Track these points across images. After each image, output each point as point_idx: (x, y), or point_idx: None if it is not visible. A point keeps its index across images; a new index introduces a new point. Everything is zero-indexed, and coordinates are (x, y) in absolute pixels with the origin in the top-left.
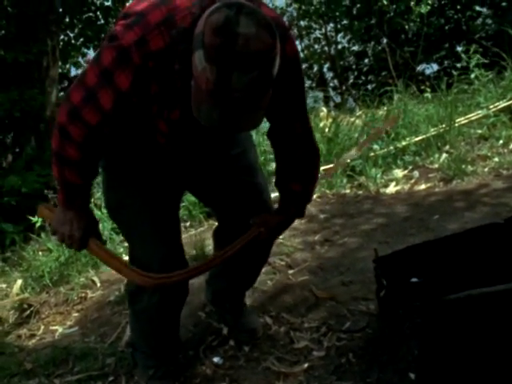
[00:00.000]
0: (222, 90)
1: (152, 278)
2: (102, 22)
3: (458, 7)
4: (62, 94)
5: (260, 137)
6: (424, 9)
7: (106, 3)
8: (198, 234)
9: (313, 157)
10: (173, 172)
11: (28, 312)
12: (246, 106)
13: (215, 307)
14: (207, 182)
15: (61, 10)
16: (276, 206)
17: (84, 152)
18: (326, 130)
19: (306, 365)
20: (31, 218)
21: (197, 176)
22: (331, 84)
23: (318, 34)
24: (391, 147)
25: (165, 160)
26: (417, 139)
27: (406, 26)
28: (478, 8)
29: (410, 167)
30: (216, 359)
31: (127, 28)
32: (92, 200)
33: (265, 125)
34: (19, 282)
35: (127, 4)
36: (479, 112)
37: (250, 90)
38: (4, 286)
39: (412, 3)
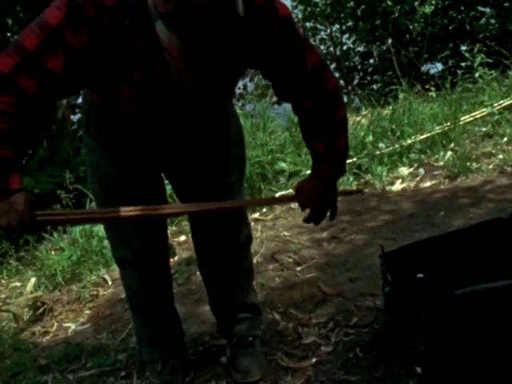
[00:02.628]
0: (197, 51)
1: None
2: None
3: (462, 7)
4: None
5: (267, 136)
6: (428, 9)
7: None
8: None
9: (329, 102)
10: (149, 150)
11: (41, 309)
12: (227, 54)
13: (223, 335)
14: (182, 168)
15: None
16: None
17: (14, 123)
18: None
19: (314, 360)
20: None
21: (173, 160)
22: None
23: (323, 35)
24: (397, 145)
25: (139, 134)
26: (422, 137)
27: (411, 27)
28: (481, 8)
29: (416, 165)
30: (224, 358)
31: None
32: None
33: (271, 124)
34: (33, 280)
35: None
36: (483, 110)
37: (223, 39)
38: (18, 284)
39: (416, 4)
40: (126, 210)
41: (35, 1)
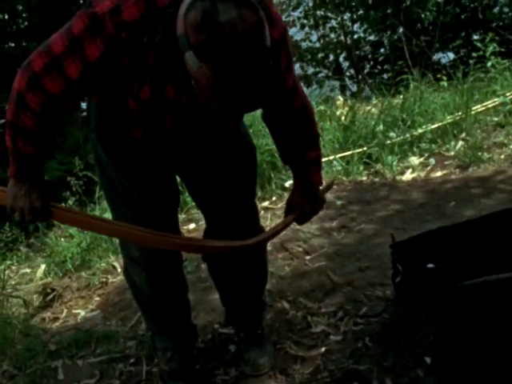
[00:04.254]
0: (225, 82)
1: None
2: None
3: None
4: None
5: None
6: None
7: None
8: None
9: (311, 116)
10: (160, 152)
11: (51, 296)
12: (256, 85)
13: (231, 326)
14: (195, 173)
15: (81, 1)
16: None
17: (41, 122)
18: (343, 118)
19: (323, 349)
20: None
21: (185, 163)
22: (347, 73)
23: (334, 23)
24: (407, 135)
25: (148, 138)
26: (433, 127)
27: (422, 15)
28: None
29: (426, 154)
30: (232, 347)
31: None
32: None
33: None
34: (43, 266)
35: None
36: (495, 100)
37: (252, 69)
38: (28, 270)
39: None
40: (139, 230)
41: None
